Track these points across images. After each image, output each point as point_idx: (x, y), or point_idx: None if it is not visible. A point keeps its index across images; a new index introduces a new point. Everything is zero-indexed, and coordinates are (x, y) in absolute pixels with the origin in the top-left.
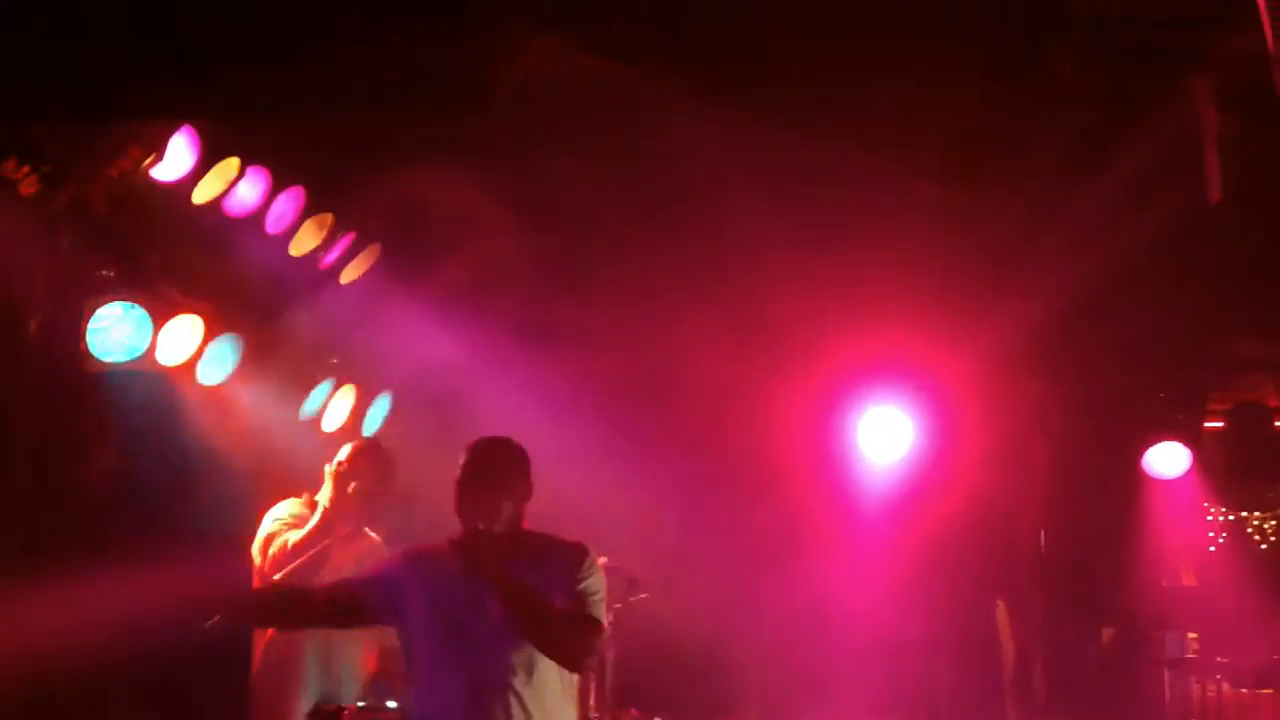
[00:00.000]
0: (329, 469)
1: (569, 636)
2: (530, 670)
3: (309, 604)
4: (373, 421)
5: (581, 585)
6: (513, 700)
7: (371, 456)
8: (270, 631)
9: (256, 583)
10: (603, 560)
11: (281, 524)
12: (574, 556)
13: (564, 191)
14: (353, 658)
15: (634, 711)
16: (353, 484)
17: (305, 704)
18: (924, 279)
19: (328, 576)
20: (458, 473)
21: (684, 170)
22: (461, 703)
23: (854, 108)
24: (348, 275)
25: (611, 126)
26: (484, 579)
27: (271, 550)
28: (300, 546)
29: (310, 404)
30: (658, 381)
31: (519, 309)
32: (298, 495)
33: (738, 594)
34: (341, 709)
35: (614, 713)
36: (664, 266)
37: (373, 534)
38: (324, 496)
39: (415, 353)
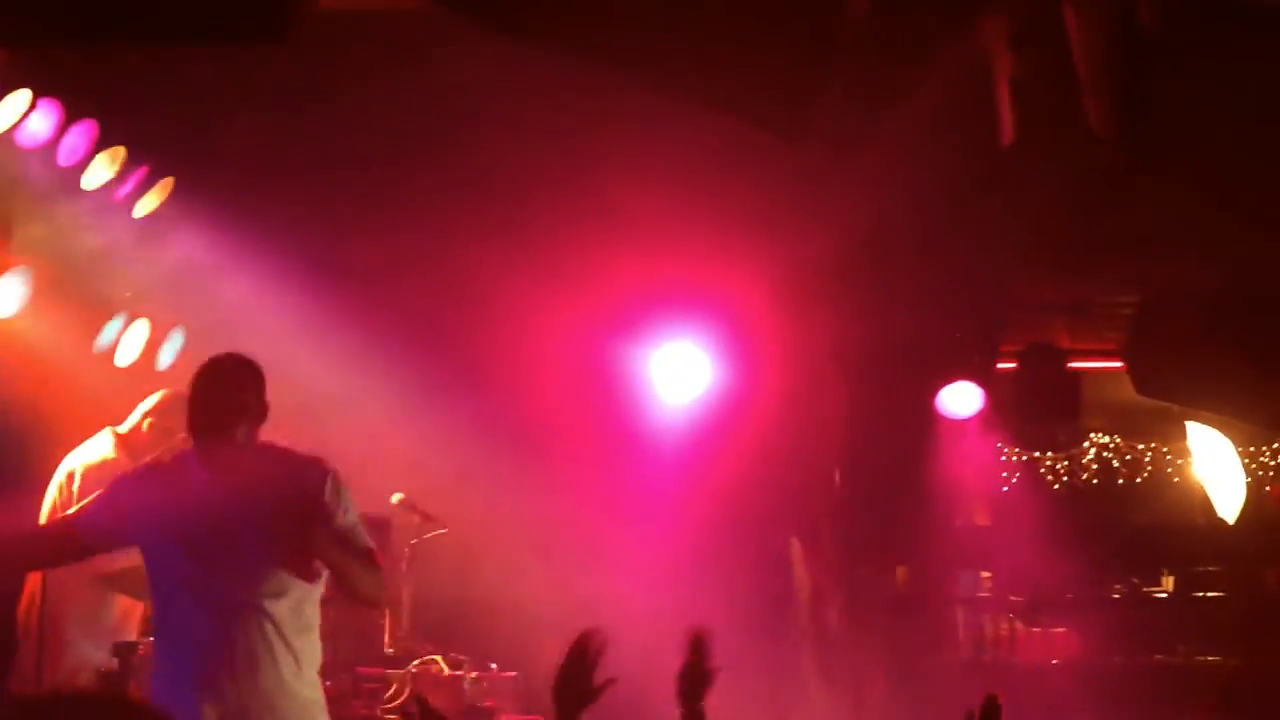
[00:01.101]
0: (137, 412)
1: (370, 578)
2: (282, 591)
3: (35, 546)
4: (166, 356)
5: (343, 517)
6: (265, 622)
7: (182, 402)
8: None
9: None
10: (399, 497)
11: (89, 467)
12: (318, 476)
13: (356, 125)
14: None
15: (429, 647)
16: (162, 423)
17: (85, 643)
18: (721, 216)
19: None
20: (189, 388)
21: (473, 102)
22: (209, 622)
23: (648, 41)
24: (141, 209)
25: (405, 59)
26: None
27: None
28: None
29: (104, 337)
30: (452, 318)
31: (313, 244)
32: (93, 431)
33: (530, 532)
34: (138, 643)
35: (409, 649)
36: (454, 199)
37: None
38: (127, 431)
39: (210, 288)
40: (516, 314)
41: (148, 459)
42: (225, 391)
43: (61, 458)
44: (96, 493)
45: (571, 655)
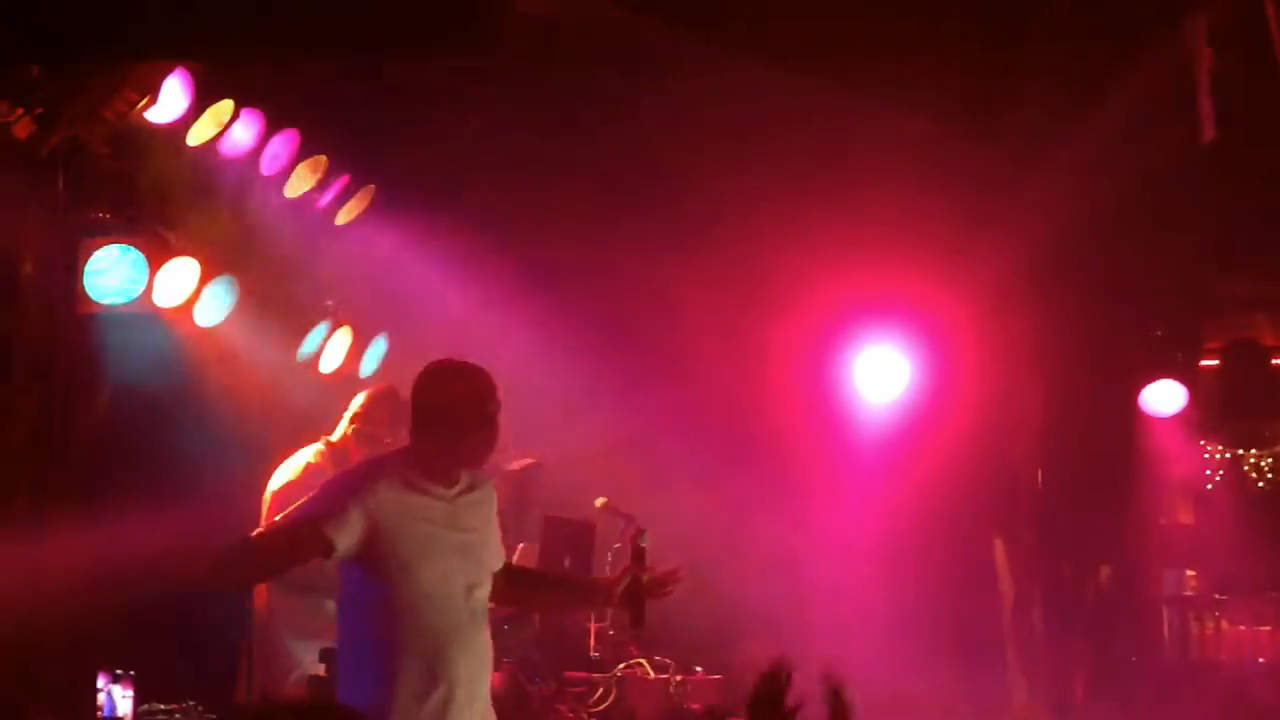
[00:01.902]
0: (345, 416)
1: None
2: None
3: (269, 552)
4: (369, 363)
5: None
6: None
7: (389, 402)
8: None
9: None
10: (602, 501)
11: (288, 482)
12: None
13: (561, 135)
14: None
15: (633, 650)
16: (366, 429)
17: (299, 647)
18: (920, 218)
19: None
20: (495, 406)
21: (679, 112)
22: (466, 615)
23: (850, 48)
24: (343, 217)
25: (610, 70)
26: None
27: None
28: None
29: (307, 346)
30: (655, 325)
31: (518, 251)
32: (309, 441)
33: (736, 534)
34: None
35: (615, 653)
36: (662, 208)
37: None
38: (339, 440)
39: (412, 294)
40: (721, 319)
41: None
42: None
43: (266, 465)
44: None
45: (765, 681)
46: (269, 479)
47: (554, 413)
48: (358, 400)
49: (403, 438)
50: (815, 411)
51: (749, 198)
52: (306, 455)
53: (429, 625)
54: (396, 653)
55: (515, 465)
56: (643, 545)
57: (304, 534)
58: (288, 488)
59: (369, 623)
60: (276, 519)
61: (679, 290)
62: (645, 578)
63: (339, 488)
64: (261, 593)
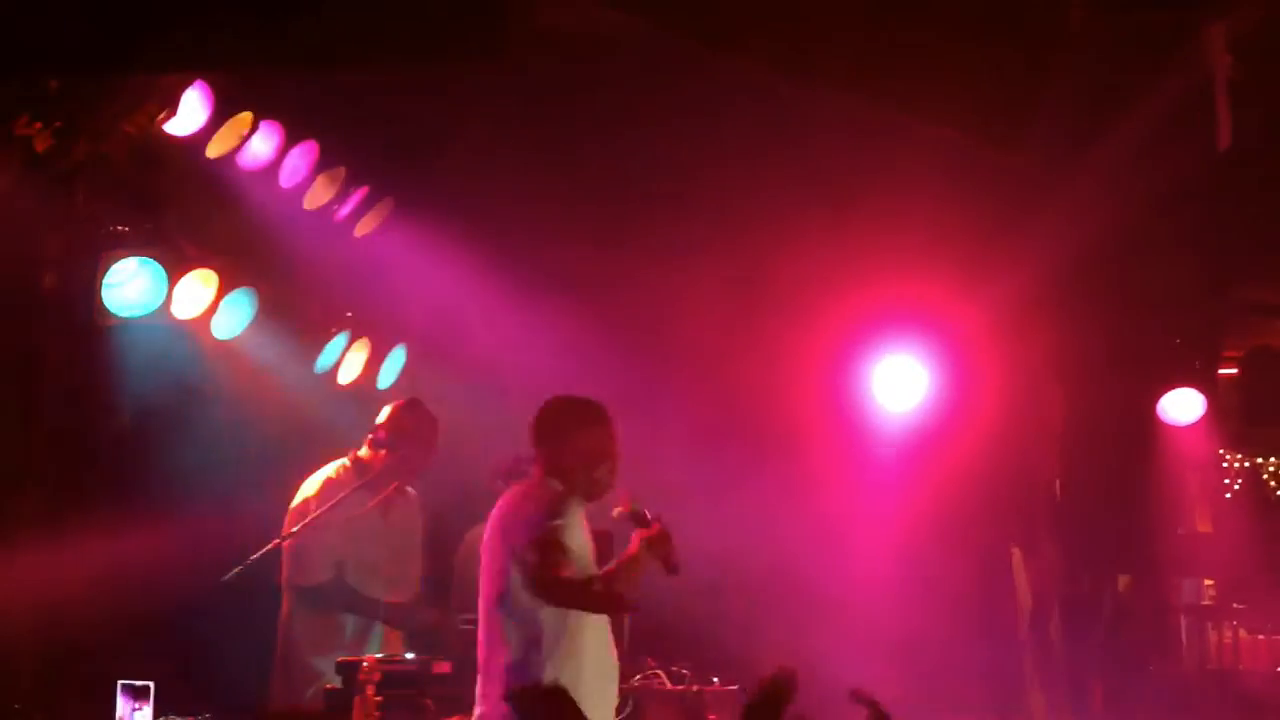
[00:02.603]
0: (372, 431)
1: None
2: None
3: None
4: (388, 375)
5: None
6: None
7: (414, 415)
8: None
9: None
10: (619, 510)
11: (306, 498)
12: None
13: (577, 145)
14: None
15: (651, 661)
16: (392, 442)
17: (320, 660)
18: (940, 227)
19: (366, 536)
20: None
21: (698, 120)
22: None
23: (868, 59)
24: (361, 228)
25: (625, 79)
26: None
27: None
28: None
29: (326, 357)
30: (673, 333)
31: (533, 262)
32: (327, 452)
33: (754, 542)
34: (362, 661)
35: (632, 662)
36: (679, 216)
37: (410, 490)
38: (366, 454)
39: (429, 305)
40: (740, 328)
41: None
42: None
43: (283, 476)
44: None
45: (765, 688)
46: (290, 491)
47: None
48: (383, 413)
49: (427, 451)
50: (835, 421)
51: (769, 206)
52: (329, 470)
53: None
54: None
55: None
56: (638, 508)
57: None
58: (305, 504)
59: None
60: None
61: (698, 299)
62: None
63: None
64: (283, 606)
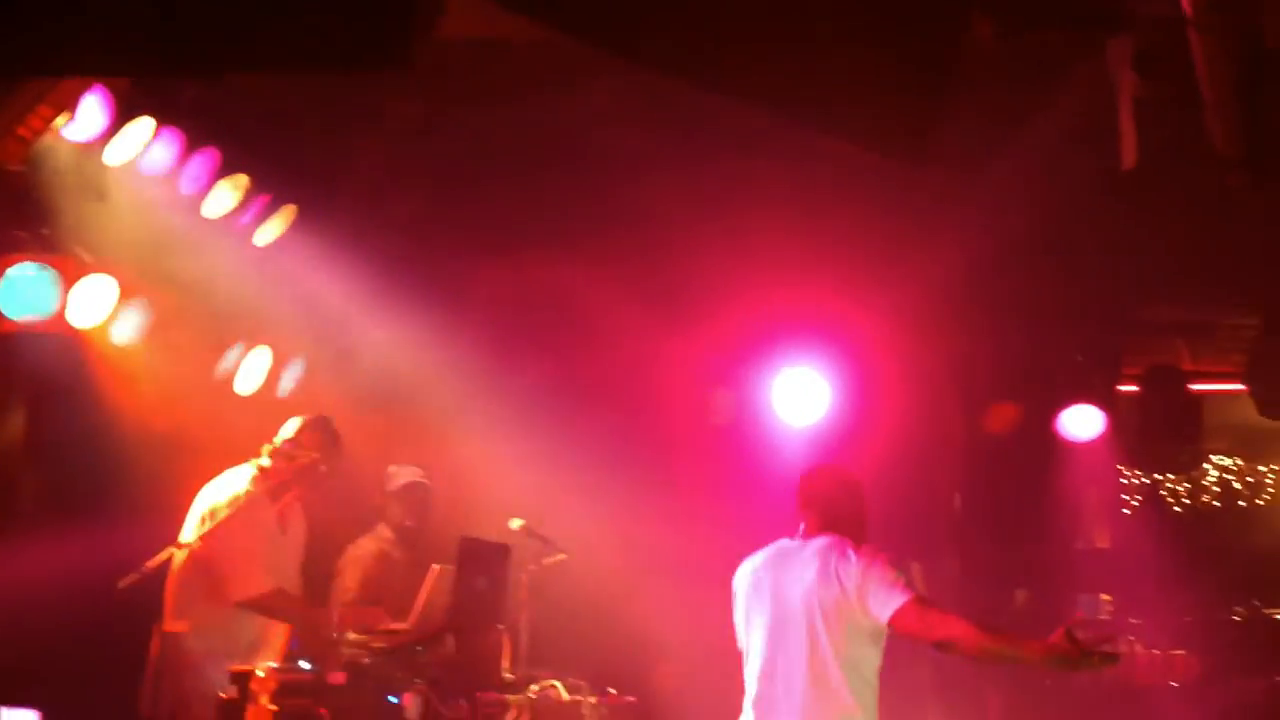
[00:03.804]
0: (276, 441)
1: None
2: None
3: None
4: (285, 384)
5: None
6: None
7: (321, 430)
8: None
9: (189, 556)
10: (519, 523)
11: (225, 503)
12: None
13: (477, 153)
14: (261, 625)
15: (548, 673)
16: (299, 456)
17: (211, 667)
18: (840, 240)
19: (262, 545)
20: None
21: (596, 131)
22: None
23: (770, 70)
24: (263, 237)
25: (527, 88)
26: None
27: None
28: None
29: (224, 365)
30: (574, 343)
31: (435, 271)
32: (223, 459)
33: (649, 556)
34: (255, 670)
35: (528, 675)
36: (580, 225)
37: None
38: (271, 466)
39: (331, 314)
40: (638, 339)
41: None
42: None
43: (181, 483)
44: None
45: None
46: (189, 497)
47: (473, 432)
48: (290, 427)
49: (332, 466)
50: (734, 434)
51: (669, 217)
52: (242, 482)
53: None
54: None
55: (399, 483)
56: None
57: None
58: (213, 512)
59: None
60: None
61: (596, 311)
62: None
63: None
64: (181, 617)
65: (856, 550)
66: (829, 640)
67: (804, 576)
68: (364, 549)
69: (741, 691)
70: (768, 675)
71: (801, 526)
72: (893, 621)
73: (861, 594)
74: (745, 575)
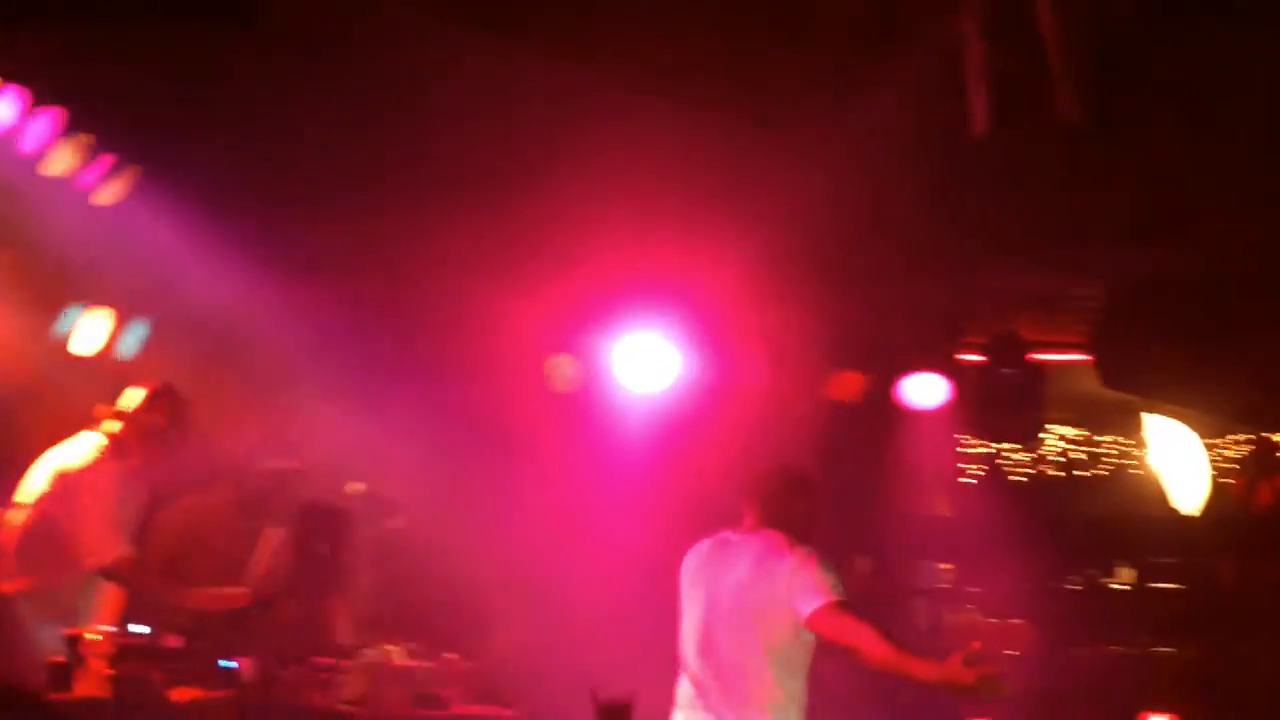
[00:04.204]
0: (126, 408)
1: None
2: None
3: None
4: (127, 347)
5: None
6: None
7: (170, 398)
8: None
9: (32, 518)
10: (359, 486)
11: (77, 470)
12: None
13: (325, 115)
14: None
15: (385, 637)
16: (147, 424)
17: (49, 632)
18: (683, 206)
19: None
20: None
21: (440, 93)
22: None
23: (615, 33)
24: (105, 197)
25: (375, 49)
26: None
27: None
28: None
29: (63, 326)
30: (418, 308)
31: (278, 234)
32: (64, 424)
33: (489, 522)
34: (87, 633)
35: (365, 638)
36: (422, 190)
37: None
38: (120, 431)
39: (176, 278)
40: (482, 303)
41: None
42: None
43: (21, 443)
44: None
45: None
46: (27, 457)
47: (313, 396)
48: (136, 395)
49: (182, 434)
50: (579, 401)
51: (512, 180)
52: (93, 448)
53: None
54: None
55: (273, 465)
56: None
57: None
58: (62, 478)
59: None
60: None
61: (444, 277)
62: None
63: None
64: (17, 577)
65: (792, 549)
66: (759, 632)
67: (740, 569)
68: (190, 509)
69: (577, 658)
70: (700, 662)
71: (746, 519)
72: (808, 621)
73: (790, 591)
74: (688, 563)
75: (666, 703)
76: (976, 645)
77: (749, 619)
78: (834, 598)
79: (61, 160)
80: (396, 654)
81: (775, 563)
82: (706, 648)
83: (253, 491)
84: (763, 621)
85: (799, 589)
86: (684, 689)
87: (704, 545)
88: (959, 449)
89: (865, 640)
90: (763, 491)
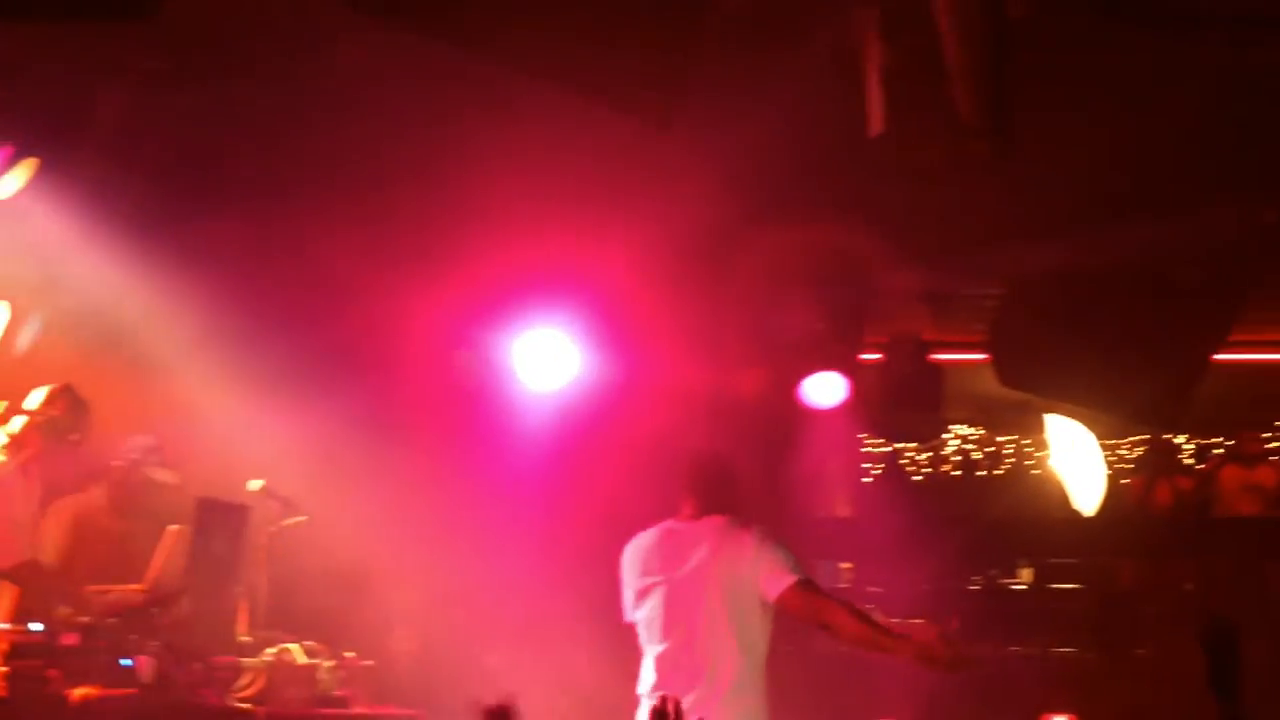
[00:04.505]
0: (26, 408)
1: None
2: None
3: None
4: (21, 341)
5: None
6: None
7: (68, 398)
8: None
9: None
10: (259, 484)
11: None
12: None
13: (219, 108)
14: None
15: (285, 636)
16: (50, 424)
17: None
18: (585, 202)
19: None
20: None
21: (340, 88)
22: None
23: (511, 26)
24: (3, 189)
25: (268, 43)
26: None
27: None
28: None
29: None
30: (314, 304)
31: (175, 229)
32: None
33: (389, 521)
34: None
35: (264, 637)
36: (316, 184)
37: None
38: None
39: (70, 271)
40: (379, 300)
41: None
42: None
43: None
44: None
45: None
46: None
47: (212, 391)
48: (38, 395)
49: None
50: (478, 399)
51: (413, 176)
52: None
53: None
54: None
55: (161, 478)
56: None
57: None
58: None
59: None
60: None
61: (340, 272)
62: None
63: None
64: None
65: (747, 530)
66: (725, 610)
67: (698, 554)
68: (72, 509)
69: (478, 655)
70: (668, 643)
71: (686, 508)
72: (779, 600)
73: (755, 570)
74: (635, 553)
75: (559, 697)
76: (954, 623)
77: (715, 600)
78: (798, 577)
79: None
80: (296, 652)
81: (735, 545)
82: (673, 629)
83: (129, 488)
84: (729, 602)
85: (764, 570)
86: (650, 671)
87: (646, 537)
88: (859, 448)
89: (838, 616)
90: (698, 481)
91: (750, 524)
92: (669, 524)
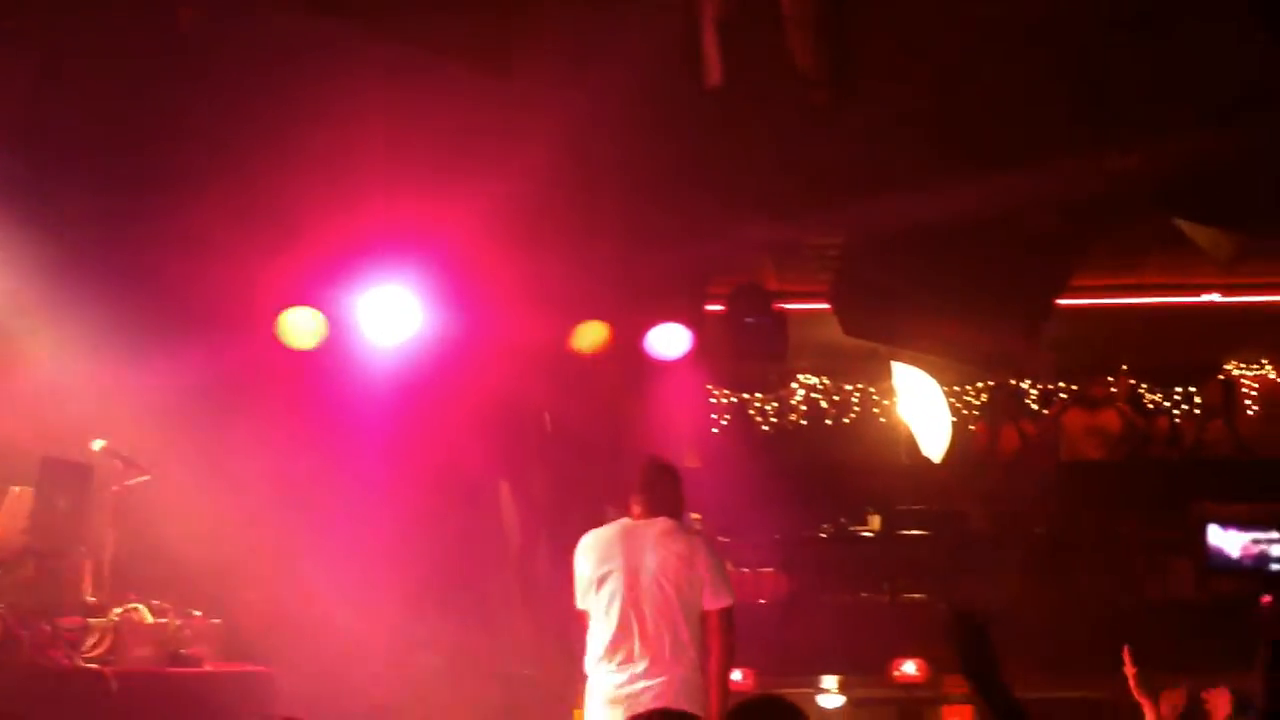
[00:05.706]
0: None
1: None
2: None
3: None
4: None
5: None
6: None
7: None
8: None
9: None
10: (101, 443)
11: None
12: None
13: (66, 72)
14: None
15: (132, 595)
16: None
17: None
18: (427, 157)
19: None
20: None
21: (184, 50)
22: None
23: None
24: None
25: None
26: None
27: None
28: None
29: None
30: (159, 263)
31: (23, 193)
32: None
33: (236, 480)
34: None
35: (111, 597)
36: (161, 146)
37: None
38: None
39: None
40: (223, 258)
41: None
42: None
43: None
44: None
45: None
46: None
47: (53, 351)
48: None
49: None
50: (321, 356)
51: (255, 133)
52: None
53: None
54: None
55: None
56: None
57: None
58: None
59: None
60: None
61: (184, 232)
62: None
63: None
64: None
65: (701, 538)
66: (679, 604)
67: (658, 552)
68: None
69: (319, 616)
70: (624, 630)
71: (636, 508)
72: (706, 614)
73: (705, 578)
74: (591, 547)
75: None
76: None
77: (671, 590)
78: (730, 602)
79: None
80: (143, 612)
81: (688, 551)
82: (633, 611)
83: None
84: (683, 593)
85: (711, 584)
86: (602, 642)
87: (603, 532)
88: (707, 399)
89: (720, 653)
90: (645, 483)
91: (696, 532)
92: (624, 521)
